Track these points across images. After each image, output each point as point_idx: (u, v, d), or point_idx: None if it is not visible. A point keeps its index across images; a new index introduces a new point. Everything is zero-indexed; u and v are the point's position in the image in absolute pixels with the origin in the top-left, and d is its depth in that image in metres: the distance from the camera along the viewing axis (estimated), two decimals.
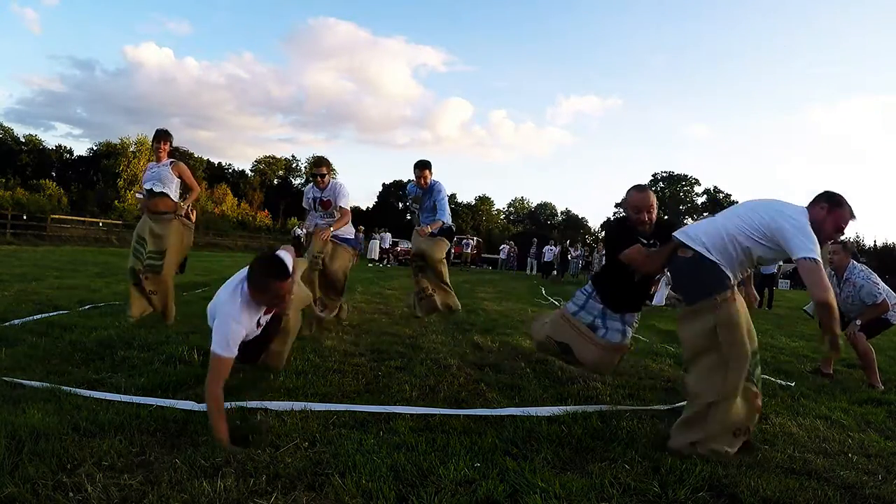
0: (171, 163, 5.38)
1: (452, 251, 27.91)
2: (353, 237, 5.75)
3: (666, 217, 3.35)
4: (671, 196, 61.62)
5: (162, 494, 1.99)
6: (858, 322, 4.93)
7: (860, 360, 4.98)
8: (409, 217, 60.61)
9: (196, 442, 2.46)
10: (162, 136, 5.38)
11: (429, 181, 6.07)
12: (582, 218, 68.95)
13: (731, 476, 2.48)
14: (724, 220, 2.93)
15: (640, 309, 3.67)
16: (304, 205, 5.84)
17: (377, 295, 9.72)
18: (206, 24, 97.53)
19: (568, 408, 3.28)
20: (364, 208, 63.31)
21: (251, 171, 62.74)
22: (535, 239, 27.57)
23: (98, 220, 29.56)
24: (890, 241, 53.69)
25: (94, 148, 48.90)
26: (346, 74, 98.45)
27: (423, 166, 6.02)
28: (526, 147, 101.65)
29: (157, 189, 5.29)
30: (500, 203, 73.49)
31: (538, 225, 65.27)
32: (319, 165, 5.46)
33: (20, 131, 56.58)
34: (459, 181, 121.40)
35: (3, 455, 2.16)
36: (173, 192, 5.38)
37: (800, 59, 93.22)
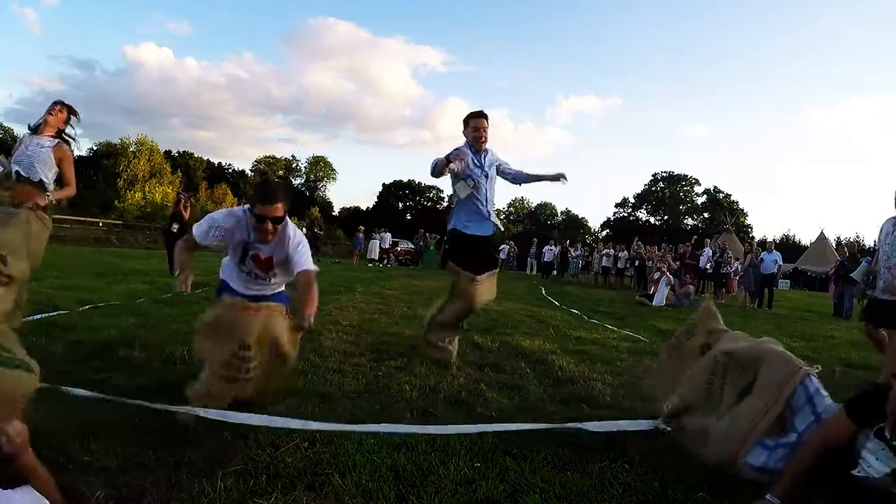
0: (56, 144, 4.10)
1: None
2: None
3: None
4: (671, 196, 61.62)
5: (162, 495, 1.99)
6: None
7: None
8: (409, 216, 60.74)
9: (196, 442, 2.45)
10: (60, 103, 4.19)
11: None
12: (582, 218, 69.02)
13: (731, 476, 2.48)
14: None
15: None
16: (233, 256, 3.28)
17: (377, 295, 9.72)
18: (206, 24, 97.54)
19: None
20: (364, 208, 63.38)
21: (251, 171, 62.79)
22: (535, 239, 27.56)
23: (98, 220, 29.56)
24: None
25: (94, 148, 48.88)
26: (346, 74, 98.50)
27: (482, 115, 4.19)
28: (526, 147, 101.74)
29: (25, 174, 4.01)
30: (500, 203, 73.55)
31: (538, 225, 65.28)
32: (274, 200, 3.00)
33: (20, 131, 56.53)
34: None
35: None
36: (49, 180, 4.09)
37: (800, 59, 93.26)
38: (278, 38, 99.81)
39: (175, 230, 11.26)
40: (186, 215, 11.92)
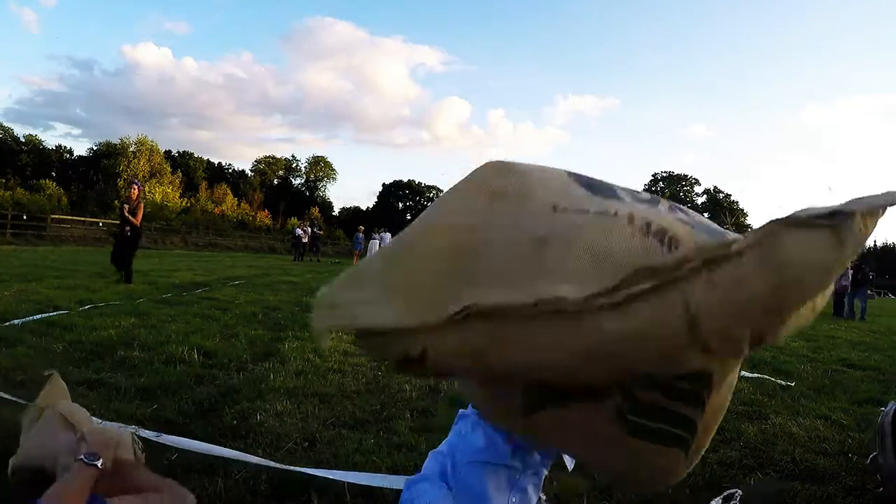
0: None
1: None
2: None
3: None
4: (671, 196, 61.68)
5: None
6: None
7: None
8: (409, 216, 60.76)
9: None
10: None
11: None
12: None
13: (731, 476, 2.48)
14: None
15: None
16: None
17: None
18: (205, 24, 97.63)
19: None
20: (364, 208, 63.40)
21: (251, 171, 62.79)
22: None
23: (98, 220, 29.50)
24: (890, 242, 53.80)
25: (94, 148, 48.91)
26: (344, 74, 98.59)
27: None
28: (524, 147, 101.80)
29: None
30: None
31: None
32: None
33: (19, 131, 56.55)
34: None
35: (1, 455, 2.16)
36: None
37: (800, 59, 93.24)
38: (276, 38, 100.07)
39: (128, 233, 8.80)
40: (138, 220, 8.91)
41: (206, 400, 3.04)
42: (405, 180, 65.44)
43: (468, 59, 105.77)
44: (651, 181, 63.41)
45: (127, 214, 8.83)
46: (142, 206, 9.15)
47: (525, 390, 1.02)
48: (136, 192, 9.12)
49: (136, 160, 41.77)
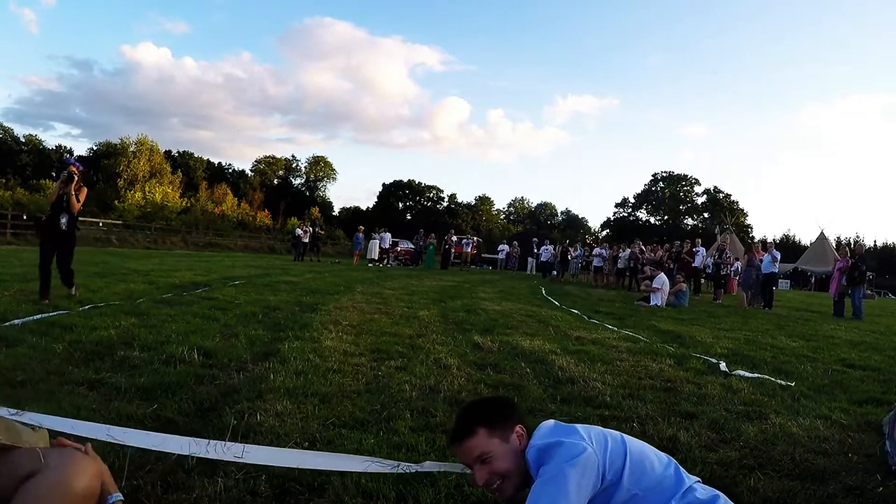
0: None
1: (452, 251, 27.87)
2: None
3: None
4: (671, 196, 61.62)
5: (162, 494, 1.99)
6: None
7: None
8: (409, 216, 60.78)
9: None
10: None
11: None
12: (582, 218, 69.19)
13: (731, 476, 2.48)
14: None
15: None
16: None
17: (377, 295, 9.72)
18: (204, 24, 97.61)
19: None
20: (364, 208, 63.42)
21: (251, 171, 62.83)
22: (536, 239, 27.60)
23: (98, 220, 29.51)
24: (890, 241, 53.83)
25: (94, 148, 49.04)
26: (344, 74, 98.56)
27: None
28: (524, 147, 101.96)
29: None
30: (501, 203, 73.68)
31: (538, 225, 65.37)
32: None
33: (19, 131, 56.58)
34: (459, 181, 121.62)
35: None
36: None
37: (800, 59, 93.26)
38: (275, 38, 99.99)
39: (64, 227, 6.54)
40: (78, 205, 6.66)
41: (206, 400, 3.04)
42: (405, 180, 65.45)
43: (467, 58, 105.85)
44: (651, 181, 63.41)
45: (73, 197, 6.55)
46: (84, 190, 6.83)
47: None
48: (77, 171, 6.68)
49: (136, 160, 41.76)
